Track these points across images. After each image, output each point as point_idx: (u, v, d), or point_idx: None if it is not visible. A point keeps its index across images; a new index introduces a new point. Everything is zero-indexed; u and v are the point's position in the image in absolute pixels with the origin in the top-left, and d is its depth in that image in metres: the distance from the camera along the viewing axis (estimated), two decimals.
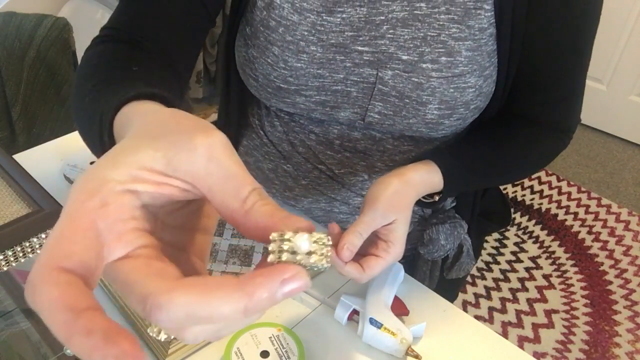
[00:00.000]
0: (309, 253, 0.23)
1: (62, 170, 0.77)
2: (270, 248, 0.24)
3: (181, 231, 0.30)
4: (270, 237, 0.24)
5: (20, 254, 0.36)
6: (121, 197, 0.25)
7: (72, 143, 0.85)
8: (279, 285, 0.22)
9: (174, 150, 0.26)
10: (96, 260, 0.23)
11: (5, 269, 0.36)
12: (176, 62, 0.63)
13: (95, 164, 0.26)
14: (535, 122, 0.72)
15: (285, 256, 0.23)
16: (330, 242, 0.24)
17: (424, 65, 0.63)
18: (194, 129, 0.27)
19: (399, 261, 0.67)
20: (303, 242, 0.23)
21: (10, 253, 0.36)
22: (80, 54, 1.56)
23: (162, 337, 0.26)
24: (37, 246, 0.37)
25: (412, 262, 0.81)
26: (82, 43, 1.53)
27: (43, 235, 0.37)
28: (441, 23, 0.63)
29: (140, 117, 0.31)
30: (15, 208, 0.37)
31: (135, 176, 0.25)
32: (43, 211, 0.37)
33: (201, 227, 0.30)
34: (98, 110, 0.42)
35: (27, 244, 0.37)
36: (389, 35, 0.64)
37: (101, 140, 0.40)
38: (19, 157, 0.81)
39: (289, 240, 0.23)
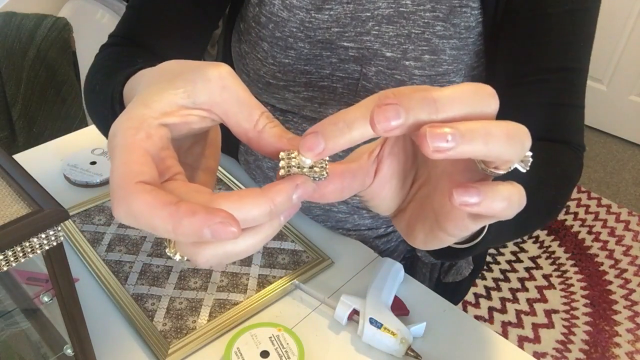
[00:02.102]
0: (312, 167, 0.29)
1: (62, 170, 0.77)
2: (280, 164, 0.29)
3: (190, 168, 0.35)
4: (280, 156, 0.29)
5: (20, 254, 0.36)
6: (159, 130, 0.29)
7: (72, 143, 0.85)
8: (294, 189, 0.28)
9: (191, 85, 0.30)
10: (157, 180, 0.28)
11: (5, 269, 0.36)
12: None
13: (127, 108, 0.30)
14: (536, 134, 0.64)
15: (293, 170, 0.29)
16: (327, 157, 0.29)
17: (407, 63, 0.63)
18: (203, 64, 0.31)
19: (399, 261, 0.67)
20: (307, 158, 0.29)
21: (10, 253, 0.36)
22: (80, 54, 1.57)
23: (177, 257, 0.30)
24: (37, 246, 0.37)
25: (411, 265, 0.81)
26: (82, 43, 1.54)
27: (43, 235, 0.37)
28: (426, 21, 0.62)
29: (146, 74, 0.35)
30: (15, 208, 0.37)
31: (165, 111, 0.30)
32: (43, 211, 0.36)
33: (204, 167, 0.35)
34: (109, 90, 0.47)
35: (27, 244, 0.36)
36: (374, 32, 0.64)
37: (113, 113, 0.44)
38: (19, 157, 0.81)
39: (295, 157, 0.29)
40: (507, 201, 0.28)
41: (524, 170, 0.29)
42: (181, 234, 0.25)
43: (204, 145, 0.35)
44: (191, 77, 0.30)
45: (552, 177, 0.60)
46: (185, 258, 0.30)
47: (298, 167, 0.29)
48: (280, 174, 0.29)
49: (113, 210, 0.27)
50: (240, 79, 0.31)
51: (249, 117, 0.30)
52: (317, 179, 0.29)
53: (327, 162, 0.29)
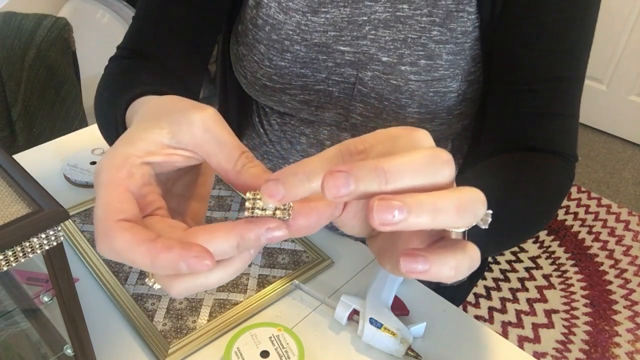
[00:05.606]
0: (276, 209, 0.30)
1: (62, 170, 0.77)
2: (246, 205, 0.30)
3: (181, 198, 0.36)
4: (246, 196, 0.30)
5: (20, 254, 0.36)
6: (141, 168, 0.31)
7: (72, 143, 0.85)
8: (264, 232, 0.29)
9: (176, 126, 0.32)
10: (138, 215, 0.30)
11: (5, 269, 0.36)
12: (186, 76, 0.67)
13: (115, 144, 0.32)
14: (527, 144, 0.62)
15: (257, 212, 0.30)
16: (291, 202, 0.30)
17: (403, 68, 0.63)
18: (190, 106, 0.33)
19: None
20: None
21: (10, 253, 0.36)
22: (80, 54, 1.57)
23: (157, 286, 0.32)
24: (37, 246, 0.37)
25: None
26: (82, 43, 1.54)
27: (43, 235, 0.37)
28: (422, 25, 0.62)
29: (143, 105, 0.37)
30: (15, 208, 0.37)
31: (149, 150, 0.31)
32: (43, 211, 0.36)
33: (196, 195, 0.37)
34: (112, 112, 0.50)
35: (27, 244, 0.36)
36: (371, 36, 0.64)
37: (117, 135, 0.47)
38: (19, 157, 0.81)
39: (260, 199, 0.30)
40: (455, 270, 0.28)
41: (484, 227, 0.30)
42: (159, 267, 0.27)
43: (196, 174, 0.37)
44: (177, 119, 0.32)
45: (539, 191, 0.58)
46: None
47: (262, 210, 0.30)
48: (245, 214, 0.30)
49: (97, 247, 0.29)
50: (225, 122, 0.33)
51: (229, 157, 0.32)
52: (283, 219, 0.31)
53: (290, 205, 0.30)
